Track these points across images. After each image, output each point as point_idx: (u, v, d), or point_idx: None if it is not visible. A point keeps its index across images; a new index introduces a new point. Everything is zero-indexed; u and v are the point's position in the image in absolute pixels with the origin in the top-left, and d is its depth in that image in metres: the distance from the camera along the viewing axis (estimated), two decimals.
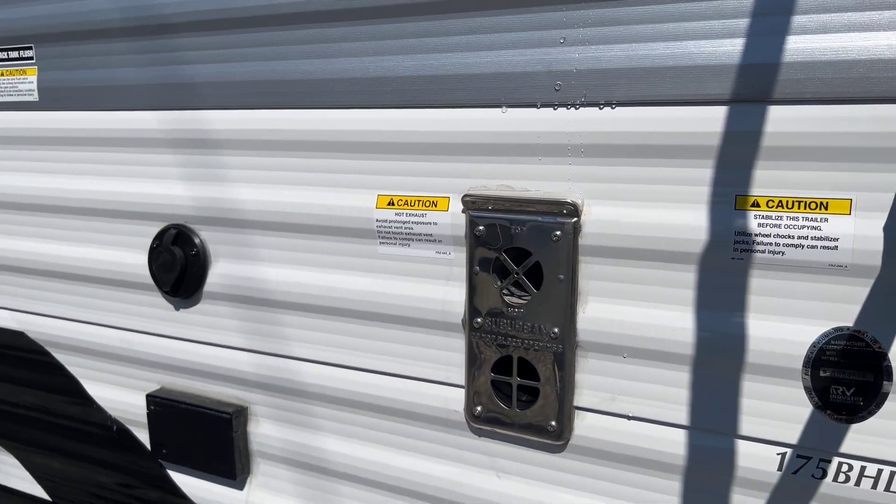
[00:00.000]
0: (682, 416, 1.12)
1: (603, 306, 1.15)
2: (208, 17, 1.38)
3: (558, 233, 1.14)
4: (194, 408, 1.57)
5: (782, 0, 0.97)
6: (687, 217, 1.07)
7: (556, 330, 1.17)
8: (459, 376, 1.28)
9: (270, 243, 1.43)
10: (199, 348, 1.57)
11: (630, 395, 1.15)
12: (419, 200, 1.26)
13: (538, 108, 1.14)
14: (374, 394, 1.37)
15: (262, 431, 1.54)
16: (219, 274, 1.50)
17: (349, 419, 1.42)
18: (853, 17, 0.94)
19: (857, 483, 1.02)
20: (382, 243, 1.31)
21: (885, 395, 0.99)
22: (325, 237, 1.36)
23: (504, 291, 1.20)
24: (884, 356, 0.98)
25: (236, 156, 1.43)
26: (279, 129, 1.37)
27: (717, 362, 1.08)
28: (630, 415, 1.16)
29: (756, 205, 1.03)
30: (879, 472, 1.01)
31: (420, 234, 1.27)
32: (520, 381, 1.22)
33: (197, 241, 1.52)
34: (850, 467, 1.03)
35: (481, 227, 1.20)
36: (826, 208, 0.99)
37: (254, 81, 1.37)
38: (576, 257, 1.15)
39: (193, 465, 1.63)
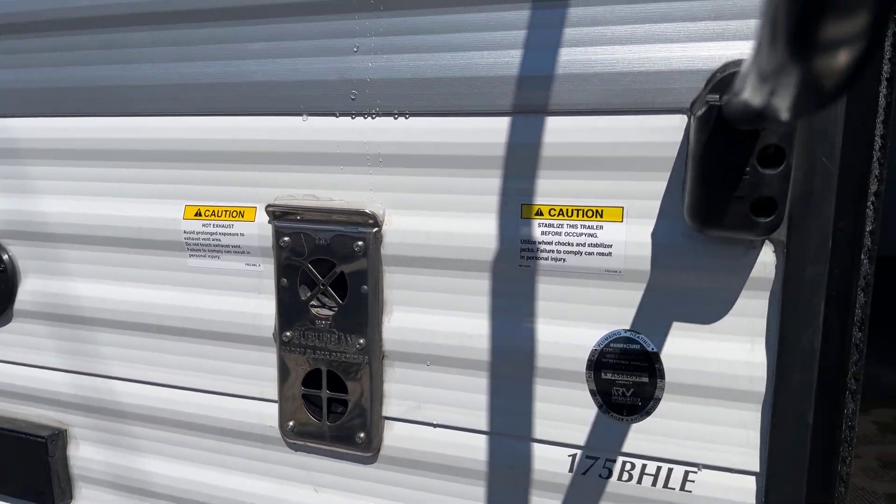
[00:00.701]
0: (482, 421, 1.13)
1: (406, 315, 1.15)
2: (4, 21, 1.30)
3: (360, 243, 1.13)
4: (7, 432, 1.47)
5: (557, 12, 0.99)
6: (478, 226, 1.08)
7: (361, 341, 1.16)
8: (273, 391, 1.25)
9: (80, 257, 1.36)
10: (11, 369, 1.47)
11: (434, 403, 1.16)
12: (226, 211, 1.23)
13: (337, 116, 1.13)
14: (192, 412, 1.33)
15: (83, 454, 1.46)
16: (29, 291, 1.42)
17: (169, 438, 1.37)
18: (621, 30, 0.98)
19: (640, 481, 1.06)
20: (192, 256, 1.27)
21: (660, 395, 1.03)
22: (135, 250, 1.31)
23: (313, 303, 1.19)
24: (657, 357, 1.02)
25: (41, 166, 1.35)
26: (82, 137, 1.30)
27: (511, 368, 1.10)
28: (435, 422, 1.16)
29: (539, 213, 1.05)
30: (658, 469, 1.05)
31: (228, 246, 1.23)
32: (330, 394, 1.20)
33: (5, 256, 1.42)
34: (633, 466, 1.06)
35: (286, 238, 1.18)
36: (601, 216, 1.03)
37: (55, 88, 1.30)
38: (379, 267, 1.14)
39: (10, 492, 1.53)
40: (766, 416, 0.98)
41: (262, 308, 1.23)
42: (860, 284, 0.96)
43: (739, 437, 1.01)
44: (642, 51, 0.96)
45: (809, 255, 0.90)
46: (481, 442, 1.14)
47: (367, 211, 1.12)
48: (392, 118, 1.10)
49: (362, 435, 1.19)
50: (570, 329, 1.06)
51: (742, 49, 0.92)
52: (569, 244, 1.04)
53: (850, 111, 0.86)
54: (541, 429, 1.10)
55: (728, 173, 0.83)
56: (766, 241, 0.95)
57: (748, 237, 0.90)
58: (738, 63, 0.91)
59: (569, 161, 1.03)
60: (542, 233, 1.05)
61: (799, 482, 0.96)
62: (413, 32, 1.06)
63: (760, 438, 0.99)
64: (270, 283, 1.22)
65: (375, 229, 1.12)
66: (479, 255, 1.09)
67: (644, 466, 1.06)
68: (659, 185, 0.99)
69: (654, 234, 1.00)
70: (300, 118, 1.15)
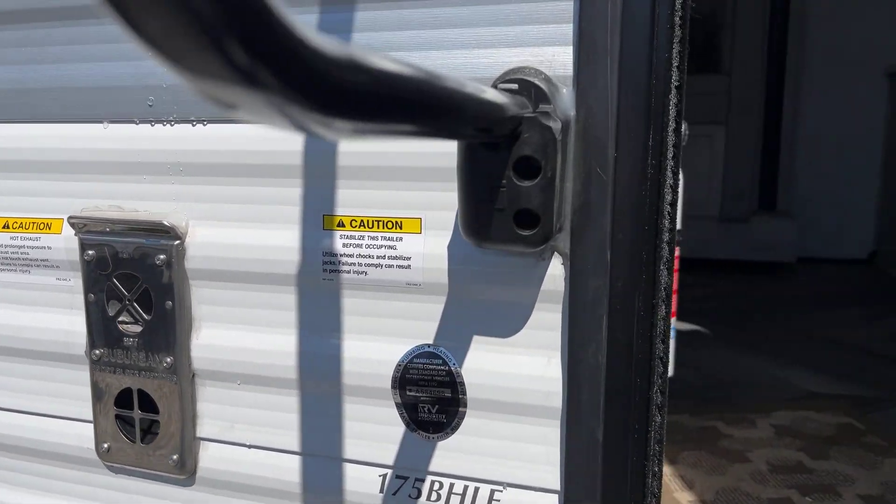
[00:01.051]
0: (294, 442, 1.09)
1: (215, 332, 1.10)
2: None
3: (162, 256, 1.08)
4: None
5: (343, 16, 0.96)
6: (282, 238, 1.04)
7: (169, 359, 1.10)
8: (90, 411, 1.19)
9: None
10: None
11: (247, 423, 1.11)
12: (33, 223, 1.17)
13: (136, 124, 1.08)
14: (9, 433, 1.26)
15: None
16: None
17: None
18: (404, 35, 0.94)
19: (448, 501, 1.03)
20: (2, 270, 1.20)
21: (463, 412, 1.00)
22: None
23: (121, 319, 1.13)
24: (457, 372, 0.99)
25: None
26: None
27: (319, 385, 1.06)
28: (248, 443, 1.11)
29: (341, 224, 1.01)
30: (465, 488, 1.02)
31: (38, 260, 1.17)
32: (141, 415, 1.14)
33: None
34: (441, 485, 1.03)
35: (91, 251, 1.12)
36: (401, 227, 0.99)
37: None
38: (184, 282, 1.09)
39: None
40: (563, 433, 0.96)
41: (74, 325, 1.17)
42: (659, 296, 0.94)
43: (540, 455, 0.98)
44: (423, 57, 0.92)
45: (589, 267, 0.88)
46: (294, 463, 1.10)
47: (166, 223, 1.07)
48: (190, 125, 1.05)
49: (175, 457, 1.13)
50: (374, 344, 1.02)
51: (524, 56, 0.89)
52: (370, 256, 1.00)
53: (622, 120, 0.84)
54: (351, 448, 1.06)
55: (487, 185, 0.80)
56: (555, 253, 0.92)
57: (518, 250, 0.87)
58: (519, 70, 0.88)
59: (369, 170, 0.99)
60: (344, 245, 1.01)
61: (594, 500, 0.94)
62: None
63: (559, 456, 0.97)
64: (81, 299, 1.16)
65: (177, 242, 1.07)
66: (283, 269, 1.04)
67: (452, 486, 1.02)
68: (454, 196, 0.96)
69: (450, 246, 0.97)
70: (101, 125, 1.10)
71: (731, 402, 2.72)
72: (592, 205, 0.86)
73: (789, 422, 2.51)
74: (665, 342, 0.96)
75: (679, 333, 3.83)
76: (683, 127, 2.00)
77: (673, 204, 0.94)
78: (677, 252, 1.98)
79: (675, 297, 2.04)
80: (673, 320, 2.11)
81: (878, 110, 5.19)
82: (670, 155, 0.90)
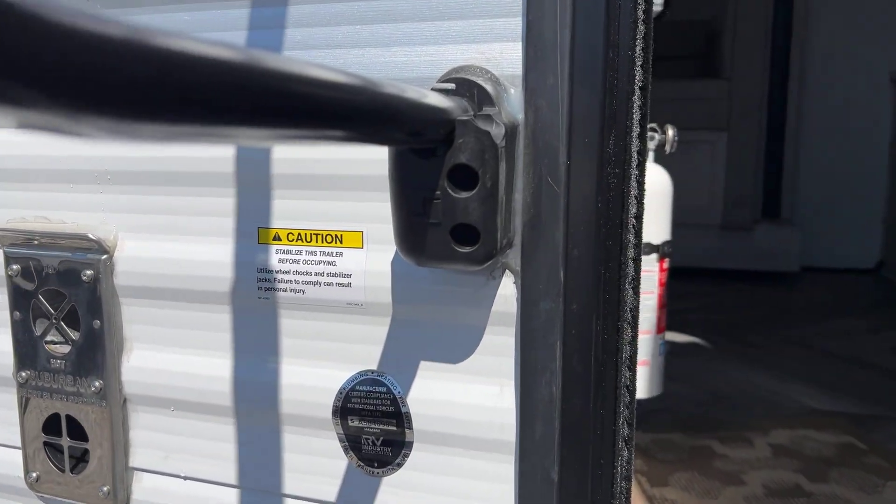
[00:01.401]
0: (232, 474, 1.00)
1: (148, 354, 1.02)
2: None
3: (89, 272, 0.99)
4: None
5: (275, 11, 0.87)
6: (215, 252, 0.95)
7: (98, 383, 1.02)
8: (18, 437, 1.11)
9: None
10: None
11: (182, 453, 1.02)
12: None
13: None
14: None
15: None
16: None
17: None
18: (341, 31, 0.86)
19: None
20: None
21: (410, 445, 0.91)
22: None
23: (48, 339, 1.05)
24: (403, 401, 0.90)
25: None
26: None
27: (257, 414, 0.97)
28: (183, 475, 1.03)
29: (277, 238, 0.93)
30: None
31: None
32: (71, 443, 1.06)
33: None
34: None
35: (15, 266, 1.04)
36: (341, 241, 0.90)
37: None
38: (113, 299, 1.01)
39: None
40: (516, 471, 0.86)
41: (2, 345, 1.09)
42: (624, 318, 0.85)
43: (494, 494, 0.89)
44: (360, 55, 0.84)
45: (541, 288, 0.79)
46: (232, 497, 1.01)
47: (91, 236, 0.98)
48: None
49: (106, 488, 1.04)
50: (314, 370, 0.94)
51: (470, 53, 0.80)
52: (307, 273, 0.91)
53: (575, 123, 0.75)
54: (291, 482, 0.97)
55: (421, 196, 0.71)
56: (506, 271, 0.83)
57: (458, 269, 0.78)
58: (463, 69, 0.79)
59: (307, 179, 0.90)
60: (280, 260, 0.92)
61: None
62: None
63: (513, 496, 0.87)
64: (7, 316, 1.08)
65: (105, 256, 0.99)
66: (216, 286, 0.96)
67: None
68: None
69: (394, 263, 0.88)
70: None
71: (727, 419, 2.62)
72: (543, 218, 0.77)
73: (788, 441, 2.40)
74: (632, 369, 0.87)
75: (675, 346, 3.72)
76: (671, 133, 1.91)
77: (639, 217, 0.85)
78: (665, 264, 1.89)
79: (663, 312, 1.94)
80: (662, 336, 2.01)
81: (883, 115, 5.07)
82: (634, 163, 0.81)
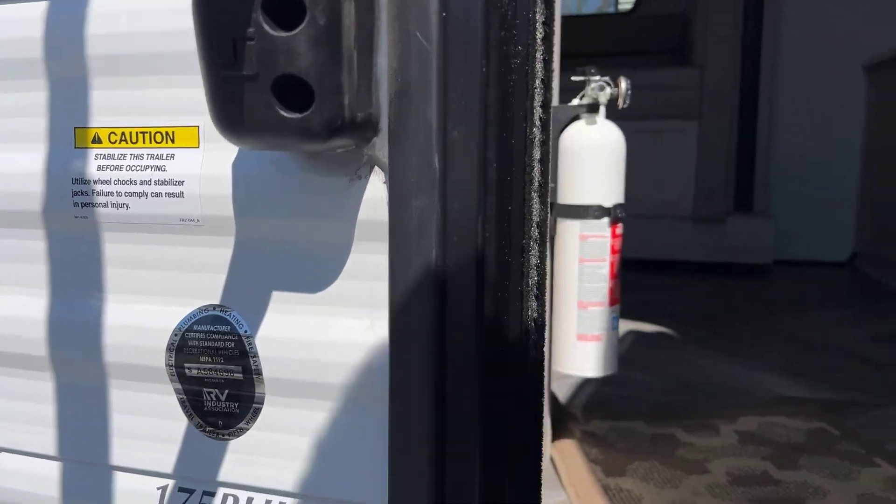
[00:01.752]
0: (51, 443, 0.80)
1: None
2: None
3: None
4: None
5: None
6: (19, 162, 0.76)
7: None
8: None
9: None
10: None
11: None
12: None
13: None
14: None
15: None
16: None
17: None
18: None
19: None
20: None
21: (261, 398, 0.72)
22: None
23: None
24: (250, 342, 0.71)
25: None
26: None
27: (80, 366, 0.77)
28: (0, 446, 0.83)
29: (97, 140, 0.73)
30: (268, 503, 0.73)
31: None
32: None
33: None
34: (237, 500, 0.74)
35: None
36: (172, 140, 0.71)
37: None
38: None
39: None
40: (390, 425, 0.67)
41: None
42: (531, 235, 0.67)
43: (363, 453, 0.69)
44: None
45: (413, 181, 0.60)
46: (54, 471, 0.81)
47: None
48: None
49: None
50: (143, 306, 0.74)
51: None
52: (131, 182, 0.72)
53: None
54: (121, 452, 0.77)
55: (230, 35, 0.52)
56: (375, 168, 0.65)
57: (291, 147, 0.59)
58: None
59: (130, 61, 0.71)
60: (100, 168, 0.73)
61: None
62: None
63: (385, 452, 0.68)
64: None
65: None
66: (25, 204, 0.76)
67: (251, 500, 0.74)
68: None
69: (236, 165, 0.69)
70: None
71: (693, 407, 2.45)
72: (413, 88, 0.59)
73: (756, 427, 2.24)
74: (540, 300, 0.69)
75: (645, 336, 3.56)
76: (624, 86, 1.74)
77: (545, 105, 0.67)
78: (619, 229, 1.71)
79: (616, 283, 1.76)
80: (614, 308, 1.84)
81: (856, 105, 4.98)
82: (539, 19, 0.63)
